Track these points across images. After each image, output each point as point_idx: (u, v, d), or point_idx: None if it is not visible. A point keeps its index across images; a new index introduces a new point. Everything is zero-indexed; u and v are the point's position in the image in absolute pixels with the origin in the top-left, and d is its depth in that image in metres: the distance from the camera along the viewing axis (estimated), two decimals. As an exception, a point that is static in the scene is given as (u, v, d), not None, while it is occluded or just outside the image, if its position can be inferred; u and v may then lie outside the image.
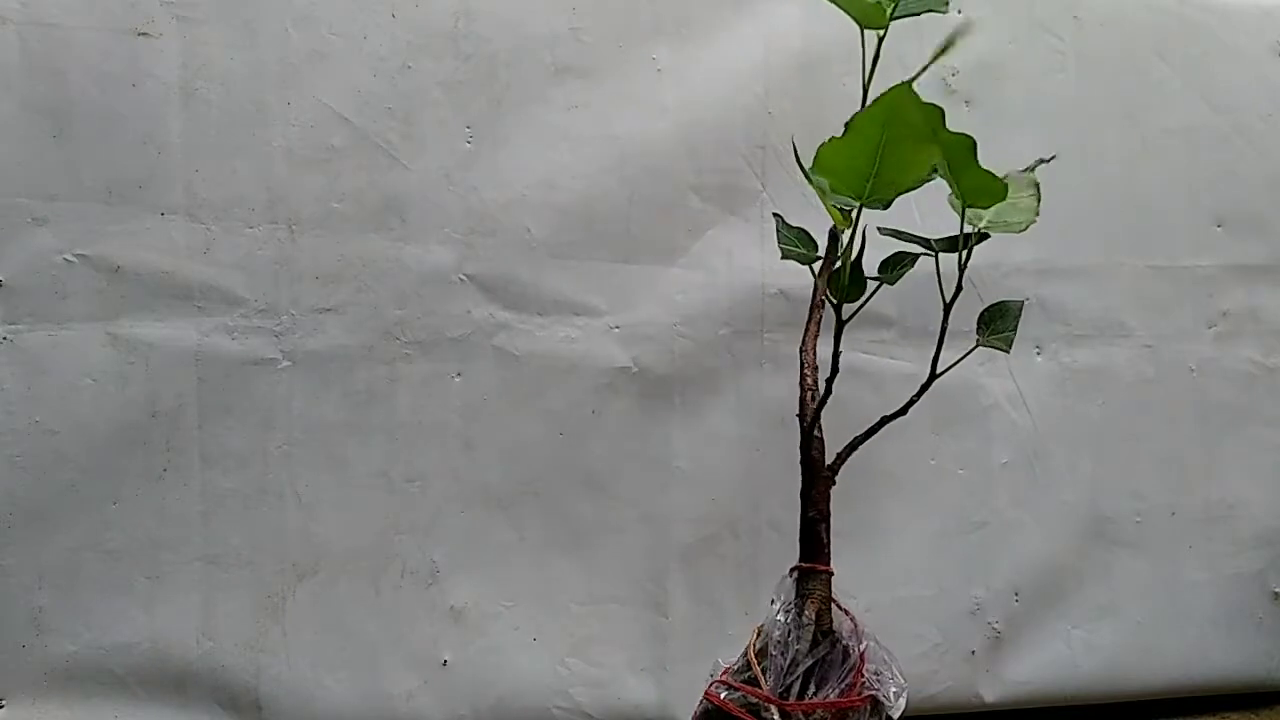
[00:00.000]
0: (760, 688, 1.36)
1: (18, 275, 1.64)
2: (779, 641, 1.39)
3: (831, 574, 1.42)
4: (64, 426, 1.66)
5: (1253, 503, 2.22)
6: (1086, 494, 2.13)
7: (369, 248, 1.79)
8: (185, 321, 1.72)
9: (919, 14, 1.44)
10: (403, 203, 1.80)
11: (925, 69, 1.22)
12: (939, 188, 1.41)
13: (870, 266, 1.60)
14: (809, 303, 1.56)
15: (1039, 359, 2.09)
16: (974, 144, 1.22)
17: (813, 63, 1.95)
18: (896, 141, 1.21)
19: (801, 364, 1.49)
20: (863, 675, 1.36)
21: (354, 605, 1.80)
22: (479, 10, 1.82)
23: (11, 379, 1.65)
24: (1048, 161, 1.54)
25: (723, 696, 1.38)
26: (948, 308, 1.39)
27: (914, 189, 1.32)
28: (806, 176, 1.36)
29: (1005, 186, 1.29)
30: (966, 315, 1.55)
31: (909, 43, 1.71)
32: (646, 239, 1.91)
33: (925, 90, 1.26)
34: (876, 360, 2.00)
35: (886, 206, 1.43)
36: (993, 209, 1.36)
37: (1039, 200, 1.43)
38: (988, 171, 1.25)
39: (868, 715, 1.36)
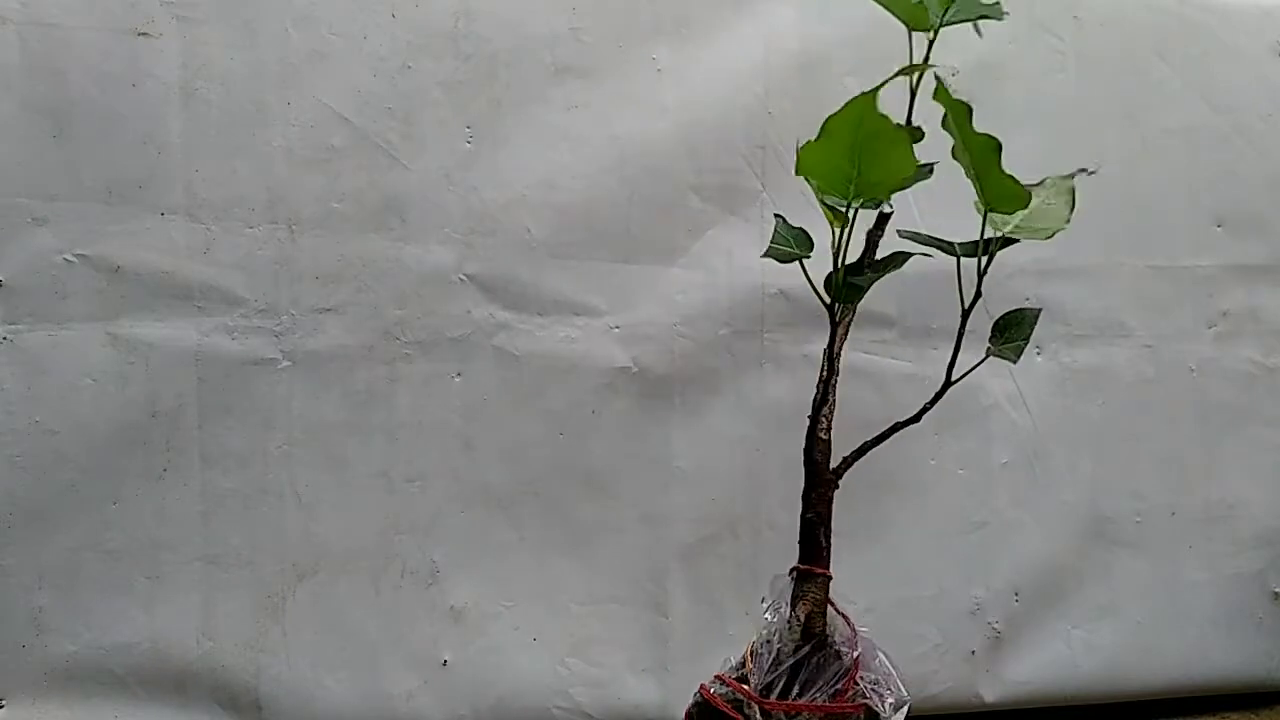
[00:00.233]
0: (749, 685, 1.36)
1: (18, 275, 1.64)
2: (765, 640, 1.40)
3: (829, 577, 1.42)
4: (64, 426, 1.66)
5: (1253, 503, 2.22)
6: (1086, 494, 2.13)
7: (369, 248, 1.79)
8: (185, 321, 1.72)
9: (972, 20, 1.42)
10: (403, 203, 1.80)
11: (885, 84, 1.21)
12: (939, 189, 1.41)
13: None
14: (809, 303, 1.55)
15: (1039, 359, 2.09)
16: (999, 145, 1.21)
17: (813, 63, 1.95)
18: (870, 143, 1.20)
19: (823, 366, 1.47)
20: (856, 683, 1.36)
21: (354, 605, 1.80)
22: (479, 10, 1.82)
23: (11, 379, 1.65)
24: (1090, 174, 1.52)
25: (713, 691, 1.39)
26: (965, 314, 1.38)
27: (903, 188, 1.31)
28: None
29: (1028, 193, 1.28)
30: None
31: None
32: (646, 239, 1.91)
33: (925, 90, 1.26)
34: (877, 360, 2.00)
35: (878, 206, 1.42)
36: (1020, 214, 1.34)
37: (1072, 209, 1.40)
38: (1010, 176, 1.24)
39: (861, 724, 1.35)
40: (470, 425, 1.84)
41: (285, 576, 1.77)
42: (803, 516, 1.44)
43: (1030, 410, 2.09)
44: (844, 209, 1.33)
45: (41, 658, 1.67)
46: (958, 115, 1.19)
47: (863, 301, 1.44)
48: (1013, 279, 2.00)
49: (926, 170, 1.35)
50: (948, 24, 1.39)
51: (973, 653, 2.07)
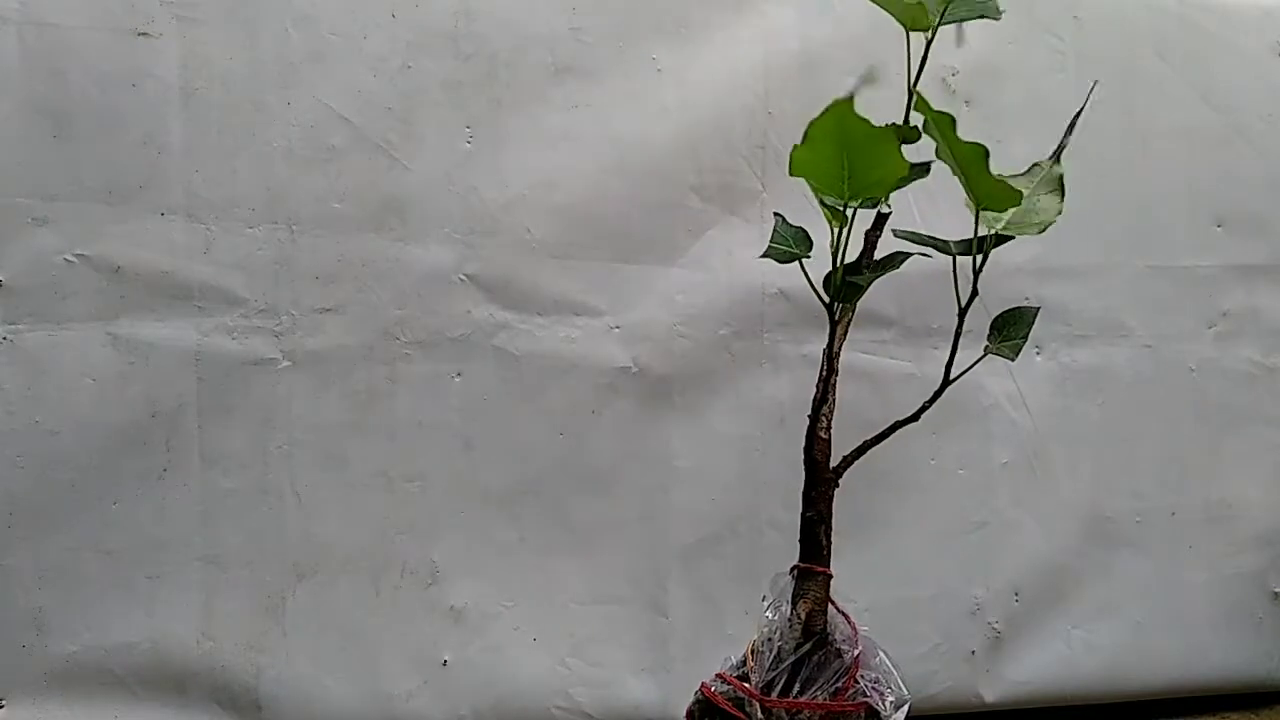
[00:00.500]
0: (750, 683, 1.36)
1: (18, 275, 1.64)
2: (766, 639, 1.40)
3: (830, 576, 1.42)
4: (64, 426, 1.67)
5: (1253, 503, 2.22)
6: (1086, 494, 2.13)
7: (369, 248, 1.79)
8: (185, 321, 1.72)
9: (969, 19, 1.42)
10: (403, 203, 1.80)
11: (856, 91, 1.21)
12: (939, 189, 1.41)
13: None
14: (809, 303, 1.55)
15: (1039, 359, 2.09)
16: (986, 153, 1.21)
17: (812, 63, 1.95)
18: (856, 145, 1.20)
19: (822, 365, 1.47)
20: (856, 681, 1.36)
21: (354, 605, 1.80)
22: (479, 10, 1.82)
23: (11, 379, 1.65)
24: (1069, 135, 1.49)
25: (714, 689, 1.39)
26: (963, 312, 1.38)
27: (900, 187, 1.31)
28: (806, 178, 1.35)
29: (1019, 193, 1.28)
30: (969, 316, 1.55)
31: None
32: (646, 239, 1.91)
33: (925, 91, 1.26)
34: (877, 360, 2.00)
35: (876, 205, 1.42)
36: (1010, 210, 1.34)
37: (1062, 197, 1.40)
38: (1001, 180, 1.24)
39: (861, 723, 1.35)
40: (470, 425, 1.84)
41: (285, 576, 1.77)
42: (803, 515, 1.44)
43: (1030, 410, 2.09)
44: (842, 209, 1.33)
45: (42, 658, 1.67)
46: (942, 125, 1.19)
47: (862, 301, 1.44)
48: (1012, 279, 2.00)
49: (923, 169, 1.35)
50: (946, 22, 1.39)
51: (973, 653, 2.07)
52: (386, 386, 1.81)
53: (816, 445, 1.43)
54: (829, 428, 1.43)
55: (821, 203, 1.35)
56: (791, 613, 1.40)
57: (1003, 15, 1.40)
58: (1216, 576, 2.21)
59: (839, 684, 1.35)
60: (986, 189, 1.25)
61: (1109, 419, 2.14)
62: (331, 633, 1.79)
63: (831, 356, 1.45)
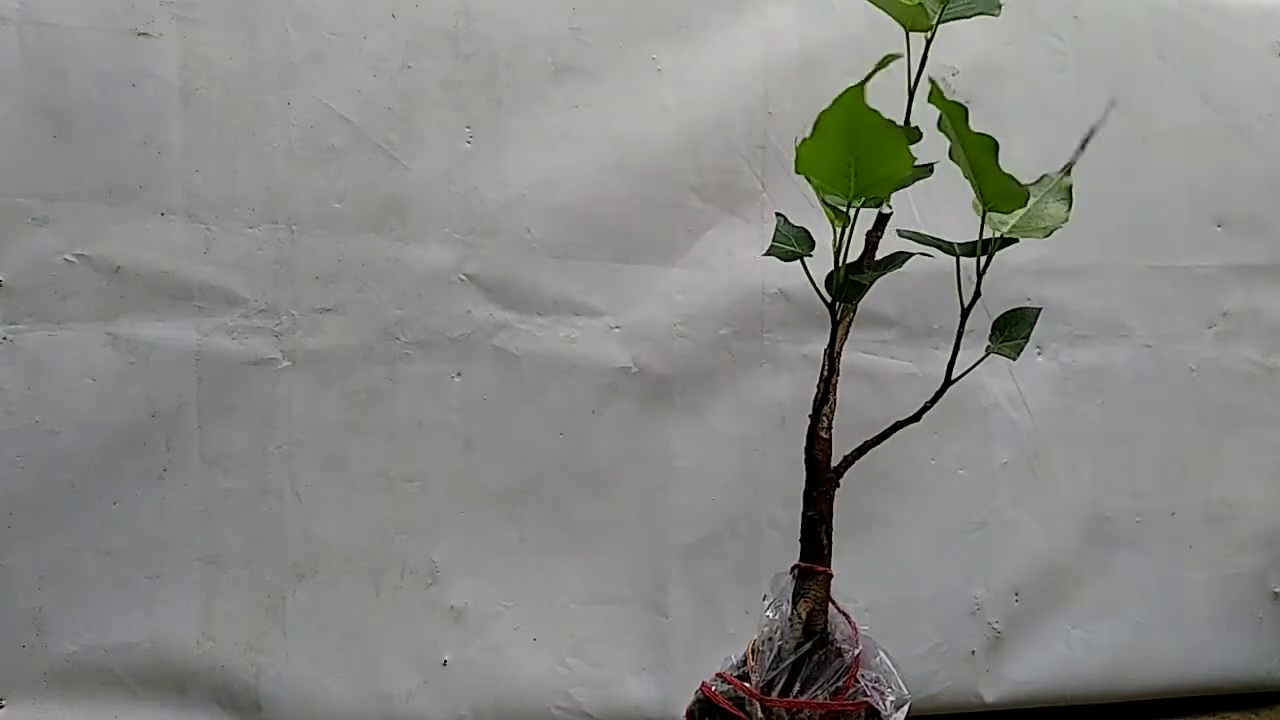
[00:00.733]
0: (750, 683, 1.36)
1: (18, 275, 1.64)
2: (766, 638, 1.40)
3: (830, 575, 1.42)
4: (64, 426, 1.66)
5: (1253, 503, 2.22)
6: (1086, 494, 2.13)
7: (369, 248, 1.79)
8: (185, 321, 1.72)
9: (969, 17, 1.42)
10: (403, 203, 1.80)
11: (873, 75, 1.21)
12: (939, 189, 1.41)
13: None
14: (809, 303, 1.55)
15: (1039, 359, 2.09)
16: (996, 145, 1.21)
17: (812, 63, 1.95)
18: (865, 138, 1.20)
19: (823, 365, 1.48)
20: (856, 681, 1.36)
21: (354, 605, 1.80)
22: (479, 10, 1.82)
23: (11, 379, 1.65)
24: (1080, 149, 1.49)
25: (715, 689, 1.39)
26: (965, 313, 1.38)
27: (903, 187, 1.31)
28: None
29: (1026, 192, 1.28)
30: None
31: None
32: (646, 239, 1.91)
33: (923, 91, 1.26)
34: (877, 360, 2.00)
35: (878, 205, 1.42)
36: (1017, 213, 1.34)
37: (1069, 206, 1.40)
38: (1009, 175, 1.24)
39: (862, 722, 1.35)
40: (470, 425, 1.84)
41: (285, 576, 1.77)
42: (804, 514, 1.44)
43: (1030, 410, 2.09)
44: (844, 208, 1.33)
45: (42, 658, 1.67)
46: (954, 116, 1.19)
47: (863, 301, 1.44)
48: (1013, 279, 2.00)
49: (926, 169, 1.35)
50: (945, 20, 1.39)
51: (973, 653, 2.07)
52: (386, 386, 1.81)
53: (817, 445, 1.43)
54: (830, 428, 1.43)
55: (824, 202, 1.35)
56: (792, 612, 1.40)
57: (1000, 10, 1.40)
58: (1216, 576, 2.21)
59: (839, 683, 1.35)
60: (995, 184, 1.25)
61: (1109, 419, 2.14)
62: (331, 633, 1.79)
63: (833, 356, 1.45)
